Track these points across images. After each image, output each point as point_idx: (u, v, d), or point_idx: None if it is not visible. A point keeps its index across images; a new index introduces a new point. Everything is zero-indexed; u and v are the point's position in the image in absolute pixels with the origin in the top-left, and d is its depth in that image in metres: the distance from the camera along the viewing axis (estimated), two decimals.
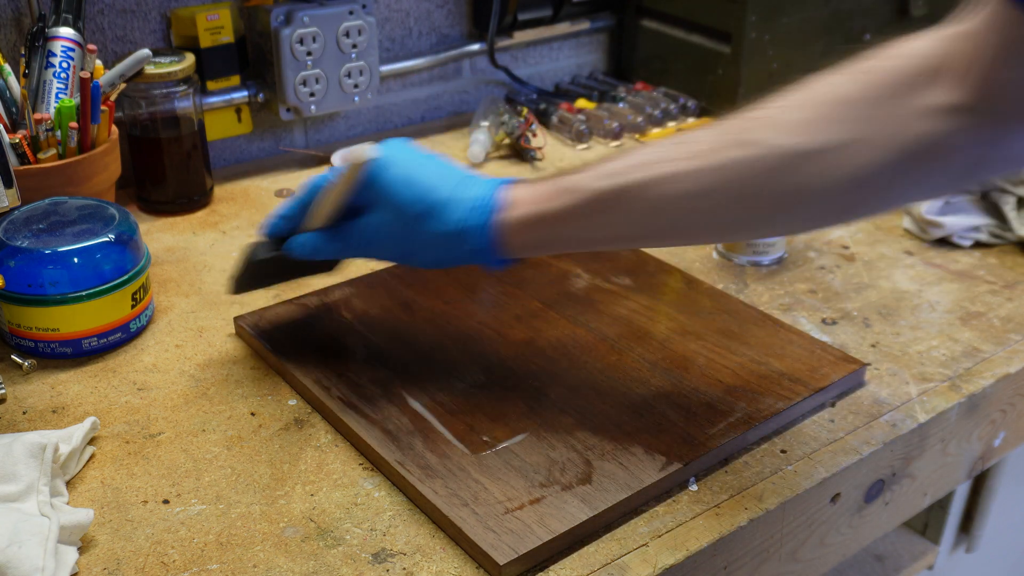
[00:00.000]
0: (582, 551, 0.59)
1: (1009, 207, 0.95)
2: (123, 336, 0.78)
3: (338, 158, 1.12)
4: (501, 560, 0.56)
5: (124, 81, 0.92)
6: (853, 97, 0.56)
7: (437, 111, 1.28)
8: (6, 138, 0.81)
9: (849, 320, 0.83)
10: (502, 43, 1.26)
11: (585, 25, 1.33)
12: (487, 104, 1.18)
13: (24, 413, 0.70)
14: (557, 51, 1.34)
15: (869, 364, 0.77)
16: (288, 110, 1.10)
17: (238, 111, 1.10)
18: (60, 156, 0.86)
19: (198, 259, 0.92)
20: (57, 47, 0.88)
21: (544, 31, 1.29)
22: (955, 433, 0.76)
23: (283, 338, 0.77)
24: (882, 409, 0.73)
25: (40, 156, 0.84)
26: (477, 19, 1.25)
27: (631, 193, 0.60)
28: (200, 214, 1.02)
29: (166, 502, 0.63)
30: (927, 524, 0.99)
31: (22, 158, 0.83)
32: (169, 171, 1.00)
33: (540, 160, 1.15)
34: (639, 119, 1.21)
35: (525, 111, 1.17)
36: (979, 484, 0.97)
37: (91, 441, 0.67)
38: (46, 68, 0.88)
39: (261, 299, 0.85)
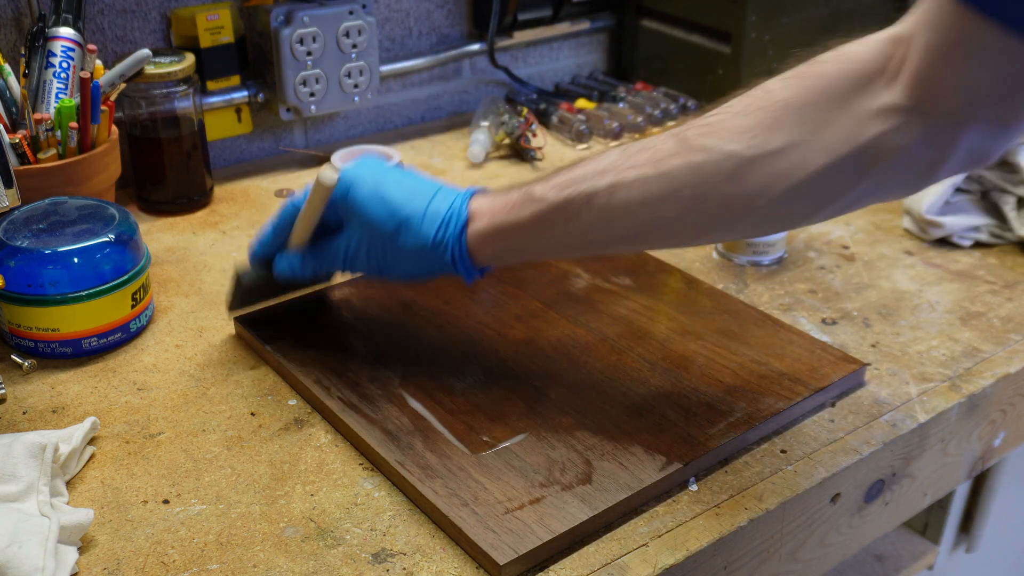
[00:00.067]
0: (582, 551, 0.59)
1: (1009, 207, 0.95)
2: (123, 336, 0.78)
3: (338, 158, 1.12)
4: (501, 560, 0.56)
5: (124, 81, 0.92)
6: (799, 101, 0.56)
7: (437, 111, 1.28)
8: (6, 138, 0.81)
9: (849, 320, 0.83)
10: (502, 43, 1.26)
11: (585, 25, 1.33)
12: (487, 104, 1.18)
13: (24, 413, 0.70)
14: (557, 51, 1.34)
15: (869, 364, 0.77)
16: (288, 110, 1.10)
17: (238, 111, 1.10)
18: (60, 156, 0.86)
19: (198, 259, 0.92)
20: (57, 47, 0.88)
21: (544, 31, 1.29)
22: (955, 433, 0.76)
23: (283, 338, 0.77)
24: (882, 409, 0.73)
25: (40, 156, 0.84)
26: (477, 19, 1.25)
27: (590, 201, 0.61)
28: (200, 214, 1.02)
29: (166, 502, 0.63)
30: (927, 524, 0.99)
31: (22, 158, 0.83)
32: (169, 171, 1.00)
33: (540, 160, 1.15)
34: (639, 119, 1.21)
35: (525, 111, 1.17)
36: (979, 484, 0.97)
37: (91, 441, 0.67)
38: (46, 68, 0.88)
39: None
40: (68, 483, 0.64)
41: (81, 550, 0.59)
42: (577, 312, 0.81)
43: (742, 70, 1.18)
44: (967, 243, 0.95)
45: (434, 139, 1.21)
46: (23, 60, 0.89)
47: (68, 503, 0.62)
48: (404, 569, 0.58)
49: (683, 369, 0.74)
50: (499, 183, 1.09)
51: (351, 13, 1.08)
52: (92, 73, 0.87)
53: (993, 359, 0.79)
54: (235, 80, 1.07)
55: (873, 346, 0.80)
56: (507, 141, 1.16)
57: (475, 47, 1.26)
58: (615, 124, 1.19)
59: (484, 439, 0.66)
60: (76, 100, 0.85)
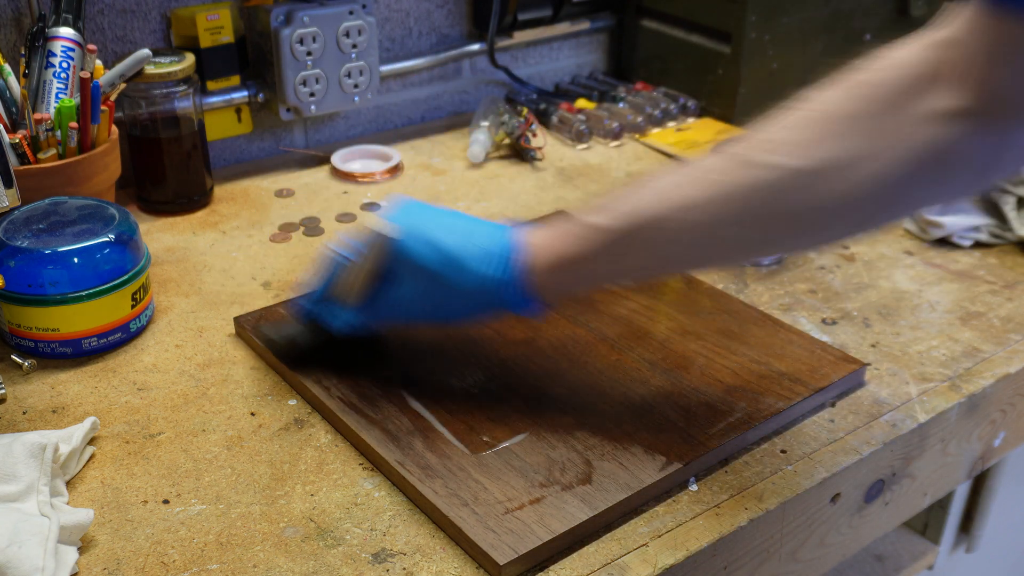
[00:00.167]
0: (582, 551, 0.59)
1: (1009, 207, 0.95)
2: (123, 336, 0.78)
3: (338, 158, 1.12)
4: (501, 560, 0.56)
5: (124, 81, 0.92)
6: (853, 112, 0.56)
7: (437, 111, 1.28)
8: (6, 138, 0.81)
9: (849, 320, 0.83)
10: (502, 43, 1.26)
11: (585, 25, 1.33)
12: (487, 104, 1.18)
13: (24, 413, 0.70)
14: (557, 51, 1.34)
15: (869, 364, 0.77)
16: (288, 110, 1.10)
17: (238, 111, 1.10)
18: (60, 156, 0.86)
19: (198, 259, 0.92)
20: (57, 47, 0.88)
21: (544, 31, 1.29)
22: (955, 433, 0.76)
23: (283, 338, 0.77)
24: (882, 409, 0.73)
25: (40, 156, 0.84)
26: (477, 19, 1.25)
27: (651, 226, 0.61)
28: (200, 214, 1.02)
29: (166, 502, 0.63)
30: (927, 524, 0.99)
31: (22, 158, 0.83)
32: (169, 171, 1.00)
33: (540, 160, 1.15)
34: (639, 119, 1.21)
35: (525, 111, 1.17)
36: (979, 484, 0.97)
37: (91, 441, 0.67)
38: (46, 68, 0.88)
39: (261, 299, 0.85)
40: (68, 483, 0.64)
41: (81, 550, 0.59)
42: (577, 312, 0.81)
43: (742, 70, 1.18)
44: (967, 243, 0.95)
45: (434, 139, 1.21)
46: (23, 60, 0.89)
47: (68, 503, 0.62)
48: (404, 569, 0.58)
49: (683, 369, 0.74)
50: (499, 183, 1.09)
51: (351, 13, 1.08)
52: (92, 73, 0.87)
53: (993, 359, 0.79)
54: (235, 80, 1.07)
55: (873, 346, 0.80)
56: (507, 141, 1.16)
57: (475, 47, 1.26)
58: (615, 124, 1.19)
59: (484, 439, 0.66)
60: (76, 100, 0.85)
